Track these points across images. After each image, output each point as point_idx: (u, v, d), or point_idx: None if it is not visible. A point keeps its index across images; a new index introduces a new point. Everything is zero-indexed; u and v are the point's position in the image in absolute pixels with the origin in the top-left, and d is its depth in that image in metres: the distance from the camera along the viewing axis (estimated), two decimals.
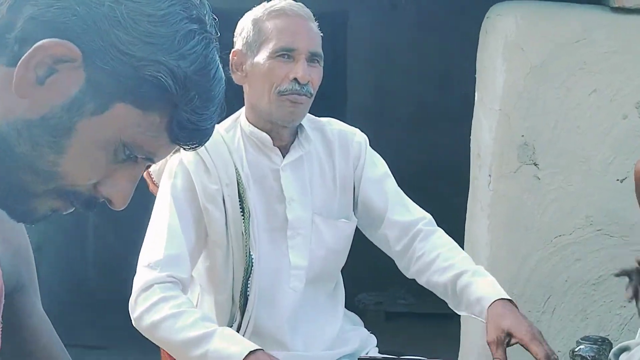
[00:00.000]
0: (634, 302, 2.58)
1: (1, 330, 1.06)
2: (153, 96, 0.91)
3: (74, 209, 0.99)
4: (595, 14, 3.59)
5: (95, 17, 0.88)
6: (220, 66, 0.99)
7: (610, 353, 2.55)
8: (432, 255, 2.14)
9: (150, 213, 2.07)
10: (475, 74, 3.81)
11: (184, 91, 0.92)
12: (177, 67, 0.91)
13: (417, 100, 6.14)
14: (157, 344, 2.01)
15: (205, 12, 0.96)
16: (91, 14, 0.88)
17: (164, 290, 1.88)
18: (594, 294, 3.51)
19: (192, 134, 0.98)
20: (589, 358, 2.50)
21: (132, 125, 0.92)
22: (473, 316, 2.08)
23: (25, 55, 0.86)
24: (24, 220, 0.99)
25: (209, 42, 0.96)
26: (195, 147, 1.03)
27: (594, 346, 2.54)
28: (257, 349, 1.75)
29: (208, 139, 1.03)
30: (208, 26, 0.96)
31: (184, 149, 1.02)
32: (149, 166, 1.04)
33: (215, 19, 0.99)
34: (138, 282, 1.93)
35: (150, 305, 1.87)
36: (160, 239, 1.96)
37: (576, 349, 2.53)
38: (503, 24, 3.59)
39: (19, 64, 0.87)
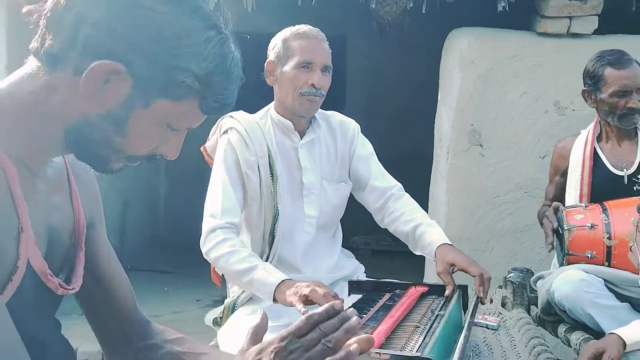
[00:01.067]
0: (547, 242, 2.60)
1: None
2: (183, 92, 0.92)
3: (139, 163, 1.01)
4: (526, 37, 3.58)
5: (135, 38, 0.87)
6: (235, 53, 0.97)
7: (531, 280, 2.59)
8: (399, 212, 2.16)
9: (205, 178, 2.08)
10: (438, 80, 3.81)
11: (207, 85, 0.93)
12: (199, 68, 0.91)
13: (397, 102, 6.14)
14: (218, 271, 2.06)
15: (219, 14, 0.95)
16: (131, 35, 0.87)
17: (224, 233, 1.91)
18: (521, 238, 3.53)
19: (219, 109, 0.98)
20: (516, 283, 2.53)
21: (172, 112, 0.93)
22: (426, 255, 2.10)
23: (86, 71, 0.86)
24: (105, 173, 1.00)
25: (224, 40, 0.94)
26: (223, 114, 1.06)
27: (520, 274, 2.57)
28: (286, 279, 1.77)
29: (232, 106, 1.01)
30: (223, 28, 0.94)
31: (212, 116, 1.03)
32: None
33: (229, 14, 0.98)
34: (205, 226, 1.95)
35: (214, 244, 1.90)
36: (218, 195, 1.98)
37: (507, 276, 2.56)
38: (459, 44, 3.59)
39: (82, 78, 0.87)
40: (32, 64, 0.91)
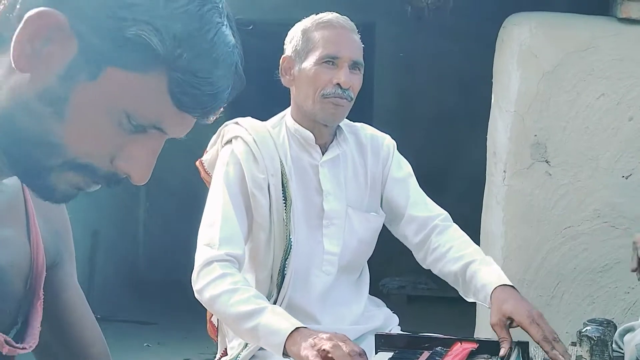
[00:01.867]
0: (637, 287, 2.59)
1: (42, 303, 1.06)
2: (140, 57, 0.84)
3: (97, 186, 0.93)
4: (603, 24, 3.58)
5: None
6: (226, 31, 0.89)
7: (616, 333, 2.55)
8: (445, 247, 2.15)
9: (198, 200, 2.10)
10: (491, 78, 3.81)
11: (173, 50, 0.84)
12: (163, 26, 0.83)
13: (437, 104, 6.14)
14: (213, 313, 2.07)
15: None
16: None
17: (222, 267, 1.90)
18: (600, 280, 3.50)
19: (196, 99, 0.88)
20: (595, 338, 2.50)
21: (128, 90, 0.86)
22: (479, 302, 2.09)
23: (18, 29, 0.82)
24: (48, 198, 0.93)
25: (205, 3, 0.87)
26: (205, 115, 0.93)
27: (600, 327, 2.54)
28: (301, 326, 1.75)
29: (218, 108, 0.93)
30: None
31: (197, 118, 0.93)
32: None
33: None
34: (199, 259, 1.96)
35: (210, 280, 1.89)
36: (217, 221, 1.98)
37: (583, 330, 2.54)
38: (518, 33, 3.59)
39: (14, 38, 0.83)
40: None
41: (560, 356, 1.80)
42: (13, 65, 0.84)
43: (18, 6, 0.84)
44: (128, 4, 0.83)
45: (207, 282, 1.90)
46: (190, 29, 0.85)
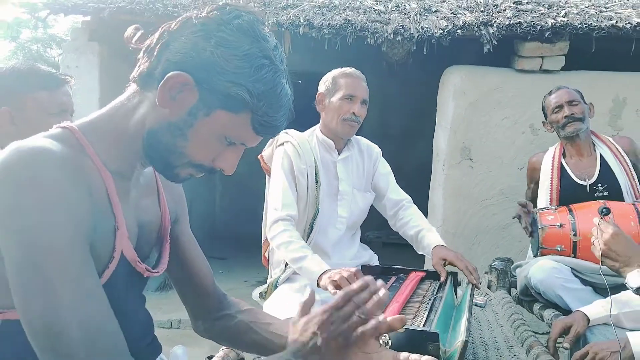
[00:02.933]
0: (525, 238, 2.59)
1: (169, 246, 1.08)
2: (239, 105, 0.87)
3: (202, 174, 0.95)
4: (506, 73, 3.57)
5: (203, 58, 0.85)
6: (286, 87, 0.92)
7: (511, 267, 2.56)
8: (407, 219, 2.16)
9: (256, 180, 2.07)
10: (436, 107, 3.81)
11: (258, 102, 0.87)
12: (252, 87, 0.87)
13: (403, 125, 6.12)
14: (280, 255, 2.01)
15: (276, 52, 0.91)
16: (200, 56, 0.85)
17: (284, 225, 1.91)
18: (503, 233, 3.51)
19: (267, 129, 0.91)
20: (499, 269, 2.51)
21: (228, 123, 0.88)
22: (425, 254, 2.09)
23: (162, 81, 0.85)
24: (173, 181, 0.95)
25: (276, 71, 0.89)
26: (272, 136, 0.96)
27: (503, 263, 2.55)
28: (327, 269, 1.75)
29: (279, 132, 0.95)
30: (277, 61, 0.90)
31: (266, 137, 0.96)
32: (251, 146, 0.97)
33: (285, 56, 0.94)
34: (270, 217, 1.97)
35: (277, 233, 1.90)
36: (279, 193, 1.99)
37: (492, 264, 2.55)
38: (453, 78, 3.59)
39: (159, 87, 0.86)
40: (129, 90, 0.93)
41: (475, 279, 1.80)
42: (157, 103, 0.87)
43: (161, 66, 0.87)
44: (232, 72, 0.86)
45: (275, 234, 1.91)
46: (267, 88, 0.88)
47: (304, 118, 2.19)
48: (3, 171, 0.76)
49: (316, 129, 2.17)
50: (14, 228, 0.74)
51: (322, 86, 2.11)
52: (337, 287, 1.61)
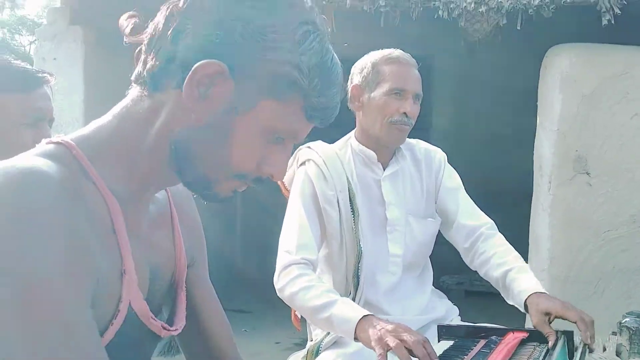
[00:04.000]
0: None
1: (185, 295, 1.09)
2: (287, 89, 0.90)
3: (246, 187, 0.98)
4: (635, 52, 3.52)
5: (233, 38, 0.88)
6: (334, 54, 0.96)
7: None
8: (490, 254, 2.07)
9: (282, 210, 2.10)
10: (536, 102, 3.78)
11: (310, 80, 0.90)
12: (301, 62, 0.89)
13: (489, 127, 6.08)
14: (294, 308, 2.05)
15: (315, 15, 0.94)
16: (228, 35, 0.88)
17: (299, 269, 1.90)
18: (636, 278, 3.43)
19: (323, 112, 0.95)
20: (633, 328, 2.45)
21: (276, 114, 0.91)
22: (517, 306, 2.02)
23: (188, 75, 0.87)
24: (212, 200, 0.97)
25: (322, 37, 0.93)
26: (327, 122, 0.98)
27: (638, 319, 2.49)
28: (368, 314, 1.71)
29: (335, 114, 0.98)
30: (319, 25, 0.93)
31: (319, 125, 0.98)
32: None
33: (323, 17, 0.97)
34: (279, 262, 1.96)
35: (289, 280, 1.88)
36: (294, 231, 1.98)
37: (622, 321, 2.49)
38: (559, 62, 3.56)
39: (185, 84, 0.87)
40: (133, 93, 0.95)
41: (589, 337, 1.74)
42: (186, 104, 0.89)
43: (179, 57, 0.89)
44: (272, 47, 0.89)
45: (286, 282, 1.89)
46: (317, 60, 0.91)
47: (350, 122, 2.20)
48: None
49: (351, 137, 2.16)
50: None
51: (358, 76, 2.09)
52: (390, 351, 1.58)
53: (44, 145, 0.90)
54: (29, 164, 0.81)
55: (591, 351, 1.80)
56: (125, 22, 0.97)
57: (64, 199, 0.80)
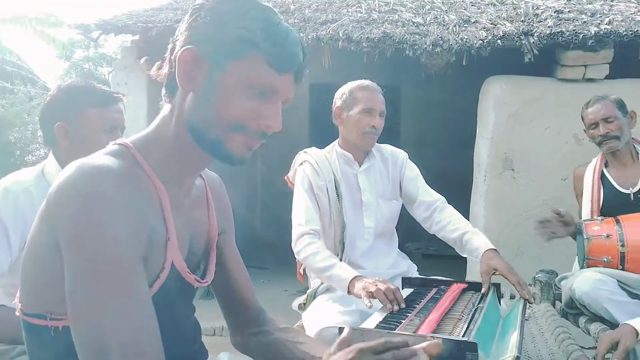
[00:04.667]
0: (570, 248, 2.51)
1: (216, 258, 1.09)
2: (243, 47, 0.86)
3: (258, 142, 0.92)
4: (548, 82, 3.51)
5: (197, 26, 0.87)
6: (281, 19, 0.90)
7: (556, 279, 2.50)
8: (445, 221, 2.08)
9: (290, 194, 2.10)
10: (476, 117, 3.77)
11: (260, 36, 0.86)
12: (248, 25, 0.86)
13: (442, 135, 6.07)
14: (306, 266, 2.05)
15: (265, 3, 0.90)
16: (195, 26, 0.87)
17: (309, 238, 1.93)
18: (546, 245, 3.40)
19: (285, 61, 0.88)
20: (543, 281, 2.44)
21: (246, 71, 0.86)
22: (472, 258, 2.02)
23: (175, 64, 0.88)
24: (232, 162, 0.91)
25: (265, 9, 0.89)
26: (298, 72, 0.91)
27: (547, 275, 2.48)
28: (357, 275, 1.74)
29: (304, 65, 0.91)
30: (263, 4, 0.89)
31: (295, 79, 0.92)
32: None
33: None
34: (295, 232, 1.98)
35: (303, 246, 1.91)
36: (302, 210, 2.01)
37: (536, 276, 2.48)
38: (493, 88, 3.55)
39: (176, 73, 0.88)
40: (165, 108, 0.95)
41: (527, 294, 1.73)
42: (181, 87, 0.89)
43: (174, 59, 0.89)
44: (222, 21, 0.87)
45: (301, 248, 1.92)
46: (263, 23, 0.87)
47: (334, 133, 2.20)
48: (68, 187, 0.79)
49: (335, 144, 2.18)
50: (76, 240, 0.77)
51: (339, 100, 2.10)
52: (372, 297, 1.59)
53: (110, 146, 0.91)
54: (99, 161, 0.83)
55: (531, 303, 1.78)
56: (144, 65, 0.98)
57: (125, 186, 0.81)
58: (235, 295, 1.17)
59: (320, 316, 1.88)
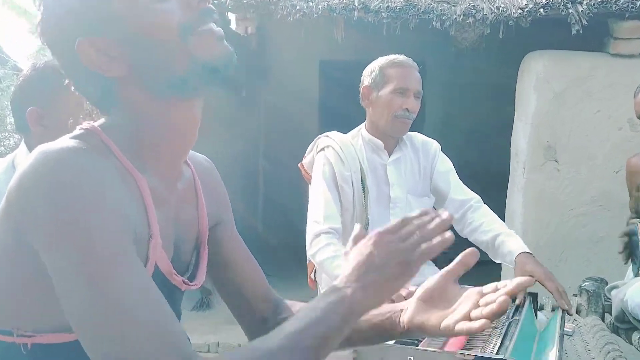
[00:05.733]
0: (623, 254, 2.52)
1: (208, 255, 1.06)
2: None
3: (212, 20, 0.86)
4: (598, 58, 3.50)
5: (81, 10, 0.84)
6: None
7: (605, 289, 2.49)
8: (478, 222, 2.10)
9: (298, 188, 2.11)
10: (514, 99, 3.76)
11: None
12: None
13: (473, 120, 6.05)
14: (322, 270, 2.06)
15: None
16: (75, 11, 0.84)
17: (327, 238, 1.92)
18: (595, 248, 3.44)
19: None
20: (591, 291, 2.44)
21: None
22: (505, 263, 2.03)
23: (79, 57, 0.85)
24: (220, 73, 0.86)
25: None
26: None
27: (595, 283, 2.48)
28: None
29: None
30: None
31: None
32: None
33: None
34: (310, 231, 1.98)
35: (319, 248, 1.91)
36: (320, 204, 2.00)
37: (582, 285, 2.48)
38: (534, 65, 3.54)
39: (88, 67, 0.85)
40: (119, 93, 0.92)
41: (567, 304, 1.74)
42: (108, 71, 0.86)
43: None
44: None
45: (317, 250, 1.92)
46: None
47: (359, 116, 2.21)
48: (32, 178, 0.75)
49: (362, 128, 2.18)
50: (57, 237, 0.74)
51: (367, 78, 2.11)
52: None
53: (76, 131, 0.88)
54: (66, 144, 0.80)
55: (570, 314, 1.80)
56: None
57: (98, 171, 0.78)
58: (246, 290, 1.14)
59: None
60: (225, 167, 1.31)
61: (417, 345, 1.23)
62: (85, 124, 0.89)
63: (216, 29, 0.87)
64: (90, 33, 0.84)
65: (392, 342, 1.28)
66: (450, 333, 0.91)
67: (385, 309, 1.01)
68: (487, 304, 0.91)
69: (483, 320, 0.87)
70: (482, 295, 0.95)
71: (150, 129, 0.90)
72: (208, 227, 1.07)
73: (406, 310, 1.00)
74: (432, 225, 0.84)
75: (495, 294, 0.93)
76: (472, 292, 0.96)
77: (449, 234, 0.84)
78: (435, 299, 0.99)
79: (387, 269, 0.82)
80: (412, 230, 0.84)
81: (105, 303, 0.74)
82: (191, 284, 1.01)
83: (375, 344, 1.12)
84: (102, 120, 0.91)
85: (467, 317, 0.91)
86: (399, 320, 1.00)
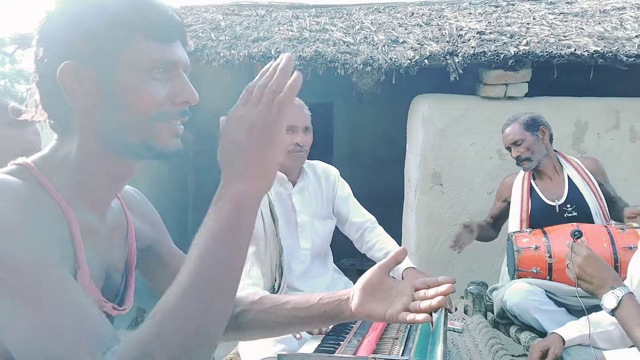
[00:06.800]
0: (498, 261, 2.57)
1: (137, 276, 1.00)
2: (120, 34, 0.78)
3: (182, 123, 0.83)
4: (472, 100, 3.61)
5: (62, 38, 0.78)
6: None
7: (487, 291, 2.54)
8: (373, 242, 2.11)
9: None
10: (406, 134, 3.83)
11: (134, 14, 0.79)
12: (117, 13, 0.78)
13: (374, 152, 6.15)
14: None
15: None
16: (57, 42, 0.78)
17: (250, 287, 1.86)
18: (476, 257, 3.49)
19: (162, 26, 0.80)
20: (475, 293, 2.48)
21: (134, 56, 0.78)
22: (396, 277, 2.04)
23: (59, 83, 0.78)
24: (166, 156, 0.82)
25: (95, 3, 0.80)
26: (171, 34, 0.82)
27: (478, 287, 2.52)
28: None
29: (180, 26, 0.83)
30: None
31: (173, 41, 0.82)
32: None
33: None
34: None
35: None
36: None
37: (467, 288, 2.51)
38: (421, 106, 3.61)
39: (64, 92, 0.79)
40: (59, 137, 0.86)
41: (447, 304, 1.75)
42: (76, 108, 0.80)
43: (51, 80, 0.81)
44: (104, 20, 0.79)
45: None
46: (130, 3, 0.80)
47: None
48: None
49: None
50: None
51: None
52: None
53: (8, 167, 0.81)
54: None
55: (450, 312, 1.82)
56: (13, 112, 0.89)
57: (28, 202, 0.72)
58: None
59: (257, 345, 1.79)
60: (157, 187, 1.21)
61: (333, 352, 1.18)
62: (19, 159, 0.82)
63: (179, 127, 0.84)
64: (81, 60, 0.78)
65: (310, 350, 1.23)
66: (394, 320, 0.96)
67: (333, 297, 1.03)
68: (422, 299, 0.96)
69: (425, 315, 0.92)
70: (416, 289, 1.00)
71: (89, 171, 0.83)
72: (143, 249, 1.01)
73: (352, 298, 1.02)
74: (276, 75, 0.75)
75: (429, 290, 0.98)
76: (406, 285, 1.01)
77: (296, 74, 0.75)
78: (375, 288, 1.02)
79: (251, 142, 0.72)
80: (260, 92, 0.74)
81: (31, 312, 0.67)
82: (120, 308, 0.93)
83: (320, 327, 1.21)
84: (38, 155, 0.83)
85: (406, 309, 0.96)
86: (346, 306, 1.02)
